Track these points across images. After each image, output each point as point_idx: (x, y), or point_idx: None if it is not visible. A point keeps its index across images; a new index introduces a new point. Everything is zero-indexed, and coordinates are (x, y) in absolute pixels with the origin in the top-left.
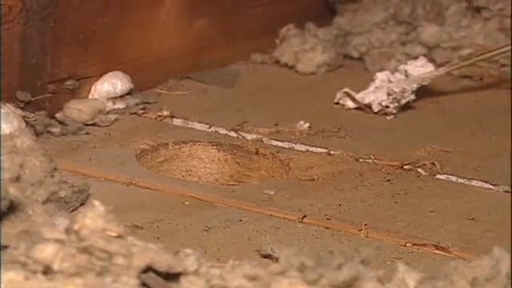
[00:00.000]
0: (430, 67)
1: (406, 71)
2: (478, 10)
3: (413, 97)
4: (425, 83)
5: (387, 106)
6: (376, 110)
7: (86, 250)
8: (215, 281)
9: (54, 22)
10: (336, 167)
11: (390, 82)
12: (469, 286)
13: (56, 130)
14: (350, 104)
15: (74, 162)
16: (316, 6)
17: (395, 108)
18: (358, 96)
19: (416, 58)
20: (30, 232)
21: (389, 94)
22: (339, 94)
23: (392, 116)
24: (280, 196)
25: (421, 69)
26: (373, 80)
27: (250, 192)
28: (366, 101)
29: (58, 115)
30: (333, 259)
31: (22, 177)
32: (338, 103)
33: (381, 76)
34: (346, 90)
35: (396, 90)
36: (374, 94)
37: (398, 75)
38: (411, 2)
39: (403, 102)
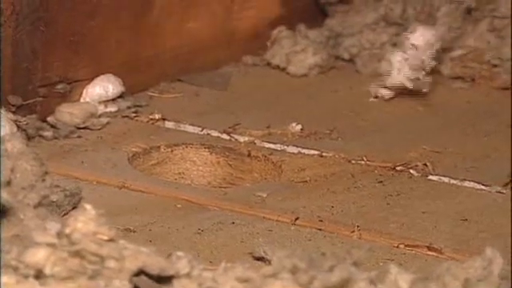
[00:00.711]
0: (430, 31)
1: (413, 45)
2: (469, 11)
3: (434, 62)
4: (437, 45)
5: (418, 79)
6: (411, 87)
7: (77, 254)
8: (208, 283)
9: (44, 26)
10: (328, 169)
11: (407, 59)
12: (461, 286)
13: (48, 133)
14: (386, 93)
15: (66, 166)
16: (307, 8)
17: (425, 76)
18: (388, 83)
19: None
20: (21, 236)
21: (413, 69)
22: (373, 89)
23: (426, 89)
24: (272, 198)
25: (424, 36)
26: (391, 66)
27: (243, 194)
28: (398, 84)
29: (49, 119)
30: (325, 261)
31: (13, 181)
32: (376, 97)
33: (395, 58)
34: (376, 83)
35: (416, 62)
36: (401, 76)
37: (409, 52)
38: (402, 3)
39: (428, 69)
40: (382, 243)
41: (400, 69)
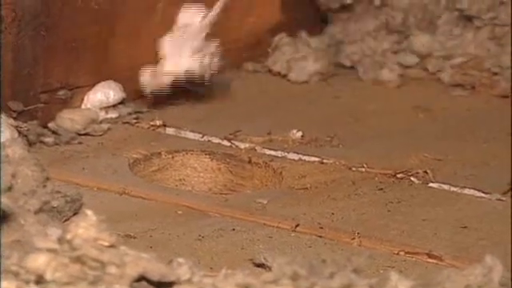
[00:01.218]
0: (199, 13)
1: (184, 26)
2: (469, 19)
3: (210, 47)
4: (207, 29)
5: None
6: (195, 72)
7: (78, 260)
8: None
9: (45, 32)
10: (329, 176)
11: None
12: None
13: (49, 139)
14: (162, 81)
15: (67, 172)
16: (308, 15)
17: (208, 62)
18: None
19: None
20: (22, 242)
21: (190, 53)
22: (146, 79)
23: (209, 74)
24: (273, 205)
25: (194, 18)
26: (164, 52)
27: (243, 201)
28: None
29: (50, 125)
30: (325, 268)
31: (15, 186)
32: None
33: (167, 43)
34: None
35: (191, 45)
36: (179, 61)
37: (181, 34)
38: (403, 11)
39: (207, 54)
40: (382, 250)
41: (174, 54)
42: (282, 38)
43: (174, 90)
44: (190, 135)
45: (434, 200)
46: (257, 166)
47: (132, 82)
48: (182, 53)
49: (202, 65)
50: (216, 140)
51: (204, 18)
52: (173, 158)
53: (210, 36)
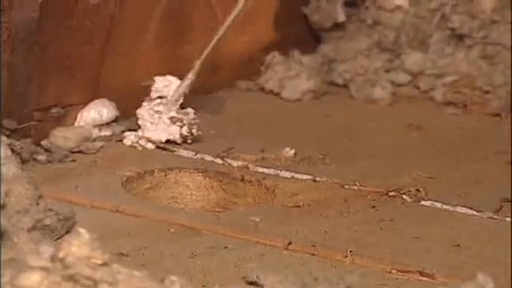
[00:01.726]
0: (177, 82)
1: (160, 97)
2: (461, 37)
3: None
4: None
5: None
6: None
7: (71, 278)
8: None
9: (39, 50)
10: (321, 194)
11: (158, 112)
12: None
13: (42, 157)
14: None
15: (60, 190)
16: (301, 34)
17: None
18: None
19: None
20: (15, 260)
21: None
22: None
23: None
24: (266, 223)
25: (171, 86)
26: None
27: (236, 219)
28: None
29: (43, 142)
30: (318, 286)
31: (8, 205)
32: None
33: (145, 112)
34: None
35: (170, 114)
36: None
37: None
38: (395, 30)
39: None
40: (374, 268)
41: (153, 123)
42: (274, 57)
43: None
44: (183, 153)
45: (427, 218)
46: (249, 184)
47: (125, 100)
48: (160, 123)
49: (181, 133)
50: (209, 158)
51: (178, 88)
52: (166, 175)
53: (188, 100)
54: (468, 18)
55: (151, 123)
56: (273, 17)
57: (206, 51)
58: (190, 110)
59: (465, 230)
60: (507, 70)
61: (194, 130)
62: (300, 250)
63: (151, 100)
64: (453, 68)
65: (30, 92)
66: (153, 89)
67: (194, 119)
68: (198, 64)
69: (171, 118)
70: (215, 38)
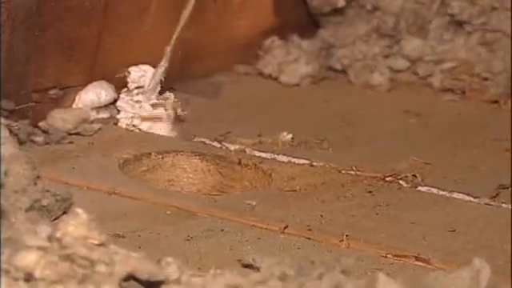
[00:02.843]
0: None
1: (138, 87)
2: (460, 24)
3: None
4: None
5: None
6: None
7: (68, 258)
8: None
9: (38, 32)
10: (318, 178)
11: (137, 101)
12: None
13: (39, 138)
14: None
15: (57, 171)
16: (300, 19)
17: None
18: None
19: None
20: (12, 239)
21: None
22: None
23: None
24: (262, 206)
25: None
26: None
27: (232, 202)
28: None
29: (41, 124)
30: (314, 269)
31: (6, 184)
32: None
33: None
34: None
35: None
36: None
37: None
38: (394, 16)
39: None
40: (370, 253)
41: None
42: (273, 41)
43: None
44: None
45: (423, 203)
46: (246, 168)
47: (124, 82)
48: (142, 112)
49: (166, 116)
50: (206, 141)
51: (153, 76)
52: (163, 158)
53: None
54: (468, 4)
55: (133, 114)
56: (272, 1)
57: (174, 37)
58: (168, 93)
59: (461, 216)
60: (506, 57)
61: (178, 111)
62: (296, 234)
63: (129, 91)
64: (452, 54)
65: (29, 73)
66: (129, 80)
67: (175, 101)
68: (169, 51)
69: (153, 105)
70: (179, 26)
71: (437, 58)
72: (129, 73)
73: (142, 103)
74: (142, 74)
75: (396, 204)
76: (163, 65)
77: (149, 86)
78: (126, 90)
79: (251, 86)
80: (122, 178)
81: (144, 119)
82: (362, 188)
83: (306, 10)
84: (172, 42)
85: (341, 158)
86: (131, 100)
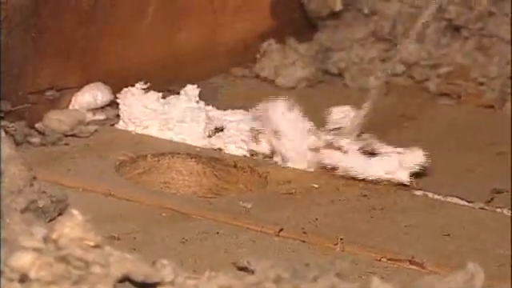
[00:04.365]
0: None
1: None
2: (457, 28)
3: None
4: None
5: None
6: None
7: (63, 259)
8: None
9: (36, 33)
10: (313, 181)
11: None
12: None
13: (35, 140)
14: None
15: (53, 172)
16: (297, 22)
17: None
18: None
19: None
20: (7, 240)
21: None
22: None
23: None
24: (257, 209)
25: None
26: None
27: (227, 205)
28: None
29: (37, 125)
30: (309, 272)
31: (1, 185)
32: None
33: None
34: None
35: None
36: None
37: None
38: (391, 20)
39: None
40: (364, 256)
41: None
42: (270, 44)
43: None
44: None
45: (418, 207)
46: (242, 171)
47: (120, 84)
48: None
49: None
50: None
51: (355, 118)
52: (158, 160)
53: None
54: (465, 9)
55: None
56: (269, 4)
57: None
58: (366, 135)
59: (456, 220)
60: (502, 62)
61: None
62: (291, 237)
63: (328, 132)
64: (448, 59)
65: (25, 74)
66: (329, 120)
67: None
68: (373, 93)
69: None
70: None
71: (433, 63)
72: (330, 113)
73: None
74: (343, 116)
75: (391, 207)
76: (366, 106)
77: (349, 127)
78: (324, 130)
79: (248, 89)
80: (118, 180)
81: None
82: (357, 191)
83: (303, 14)
84: (379, 84)
85: None
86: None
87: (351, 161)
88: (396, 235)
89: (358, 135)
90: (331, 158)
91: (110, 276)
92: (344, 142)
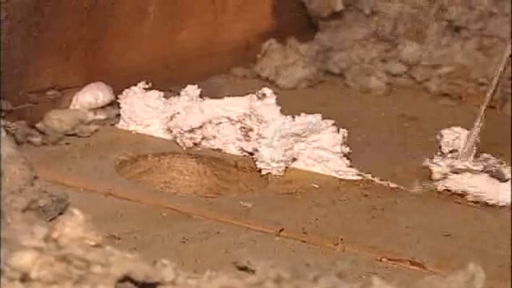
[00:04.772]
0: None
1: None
2: (457, 29)
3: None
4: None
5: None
6: None
7: (64, 259)
8: None
9: (37, 32)
10: (314, 182)
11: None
12: None
13: (36, 139)
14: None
15: (54, 172)
16: (298, 22)
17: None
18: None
19: None
20: (8, 240)
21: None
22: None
23: None
24: (258, 209)
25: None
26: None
27: (228, 204)
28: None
29: (38, 125)
30: (309, 272)
31: (2, 184)
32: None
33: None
34: None
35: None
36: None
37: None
38: (393, 20)
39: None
40: (365, 256)
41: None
42: (271, 44)
43: None
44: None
45: (418, 208)
46: (242, 171)
47: (121, 83)
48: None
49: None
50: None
51: (468, 138)
52: (159, 160)
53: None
54: (465, 10)
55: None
56: (270, 4)
57: (488, 96)
58: (487, 155)
59: (456, 220)
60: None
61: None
62: (291, 237)
63: (443, 155)
64: (449, 59)
65: (26, 74)
66: (442, 143)
67: (495, 163)
68: (482, 110)
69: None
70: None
71: (434, 63)
72: (441, 136)
73: (455, 168)
74: (455, 137)
75: (391, 208)
76: (478, 125)
77: (464, 149)
78: (439, 153)
79: (248, 89)
80: (119, 180)
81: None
82: (358, 191)
83: (304, 14)
84: (487, 100)
85: None
86: (445, 164)
87: (483, 186)
88: (396, 235)
89: (476, 155)
90: (460, 183)
91: (110, 276)
92: (467, 165)
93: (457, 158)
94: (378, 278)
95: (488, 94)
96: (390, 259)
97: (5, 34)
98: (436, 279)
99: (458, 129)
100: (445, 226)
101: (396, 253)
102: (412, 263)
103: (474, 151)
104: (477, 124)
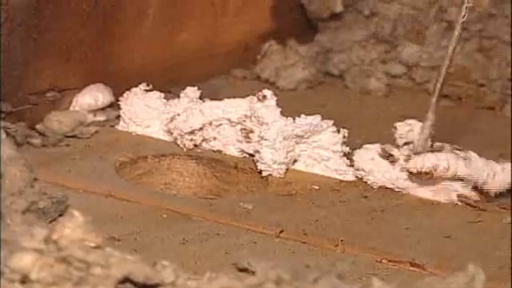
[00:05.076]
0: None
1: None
2: None
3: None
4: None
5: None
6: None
7: (64, 260)
8: None
9: (37, 34)
10: (314, 183)
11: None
12: None
13: (36, 141)
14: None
15: (54, 174)
16: (298, 23)
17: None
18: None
19: None
20: (8, 241)
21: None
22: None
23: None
24: (258, 210)
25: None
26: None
27: (228, 206)
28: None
29: (38, 126)
30: (309, 273)
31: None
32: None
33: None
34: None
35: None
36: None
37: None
38: (392, 21)
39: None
40: (365, 258)
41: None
42: (271, 46)
43: None
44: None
45: (418, 209)
46: (243, 172)
47: (121, 85)
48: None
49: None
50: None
51: (421, 130)
52: (159, 161)
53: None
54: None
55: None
56: (270, 6)
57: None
58: (441, 145)
59: (455, 222)
60: (503, 64)
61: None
62: (291, 238)
63: (399, 147)
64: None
65: (26, 75)
66: (397, 135)
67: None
68: (433, 102)
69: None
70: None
71: (434, 64)
72: (395, 128)
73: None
74: (409, 129)
75: (391, 209)
76: (430, 117)
77: (418, 141)
78: (397, 145)
79: (248, 90)
80: (119, 181)
81: (411, 174)
82: (358, 193)
83: (304, 15)
84: (436, 91)
85: None
86: (402, 155)
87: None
88: (396, 237)
89: (432, 146)
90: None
91: (110, 277)
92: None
93: (412, 150)
94: (377, 279)
95: (438, 85)
96: (389, 260)
97: (5, 36)
98: (436, 280)
99: (411, 121)
100: (445, 227)
101: (396, 254)
102: (412, 264)
103: (429, 143)
104: (428, 116)
